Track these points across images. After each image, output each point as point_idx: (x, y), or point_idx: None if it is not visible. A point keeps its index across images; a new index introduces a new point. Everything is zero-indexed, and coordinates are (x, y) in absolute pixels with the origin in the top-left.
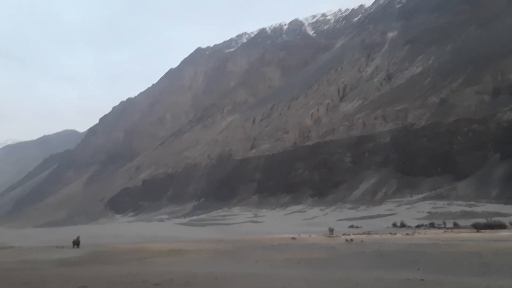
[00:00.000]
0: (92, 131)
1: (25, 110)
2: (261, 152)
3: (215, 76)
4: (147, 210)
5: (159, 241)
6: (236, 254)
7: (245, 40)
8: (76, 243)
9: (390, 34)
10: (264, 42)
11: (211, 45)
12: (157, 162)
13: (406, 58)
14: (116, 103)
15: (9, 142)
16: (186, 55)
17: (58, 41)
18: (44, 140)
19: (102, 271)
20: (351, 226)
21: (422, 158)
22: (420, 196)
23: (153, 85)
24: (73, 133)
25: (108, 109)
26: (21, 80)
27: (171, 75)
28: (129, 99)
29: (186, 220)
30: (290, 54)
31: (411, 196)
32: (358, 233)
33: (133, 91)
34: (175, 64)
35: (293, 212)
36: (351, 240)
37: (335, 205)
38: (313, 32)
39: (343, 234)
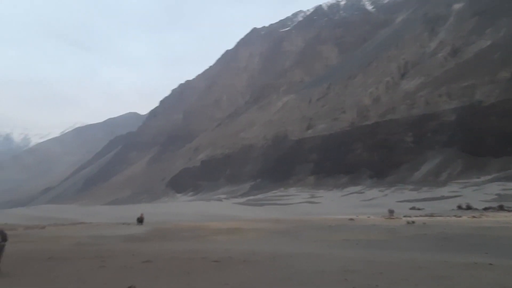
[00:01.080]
0: (153, 113)
1: (91, 94)
2: (317, 132)
3: (270, 56)
4: (206, 189)
5: (218, 219)
6: (293, 234)
7: (300, 19)
8: (140, 220)
9: (456, 6)
10: (321, 19)
11: (267, 25)
12: (215, 143)
13: (474, 31)
14: (175, 85)
15: (78, 125)
16: (242, 36)
17: (119, 26)
18: (109, 123)
19: (165, 247)
20: (413, 208)
21: (491, 138)
22: (488, 177)
23: (210, 67)
24: (135, 115)
25: (167, 92)
26: (87, 66)
27: (227, 56)
28: (187, 82)
29: (243, 199)
30: (348, 31)
31: (478, 177)
32: (420, 215)
33: (191, 74)
34: (231, 45)
35: (351, 193)
36: (413, 222)
37: (395, 186)
38: (372, 7)
39: (404, 216)
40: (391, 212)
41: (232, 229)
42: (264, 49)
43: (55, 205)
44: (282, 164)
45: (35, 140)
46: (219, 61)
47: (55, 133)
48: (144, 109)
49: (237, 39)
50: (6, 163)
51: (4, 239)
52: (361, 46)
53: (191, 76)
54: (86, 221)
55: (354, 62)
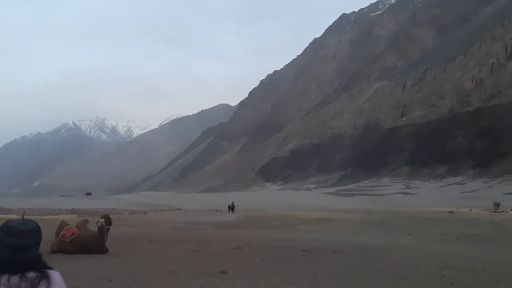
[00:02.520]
0: (243, 104)
1: (185, 87)
2: (412, 119)
3: (360, 42)
4: (295, 179)
5: (307, 209)
6: (386, 226)
7: (393, 1)
8: (231, 207)
9: None
10: (415, 0)
11: (356, 9)
12: (303, 133)
13: None
14: (264, 76)
15: (174, 117)
16: (330, 23)
17: (209, 21)
18: (202, 114)
19: (254, 234)
20: None
21: None
22: None
23: (297, 56)
24: (226, 106)
25: (256, 83)
26: (181, 61)
27: (315, 44)
28: (275, 72)
29: (333, 190)
30: (446, 11)
31: None
32: None
33: (279, 63)
34: (319, 33)
35: (450, 184)
36: None
37: (502, 177)
38: None
39: None
40: (496, 205)
41: (321, 219)
42: (354, 35)
43: (155, 192)
44: (374, 153)
45: (137, 132)
46: (307, 49)
47: (154, 125)
48: (234, 100)
49: (326, 26)
50: (112, 153)
51: (109, 223)
52: (461, 27)
53: (279, 66)
54: (182, 207)
55: (453, 44)
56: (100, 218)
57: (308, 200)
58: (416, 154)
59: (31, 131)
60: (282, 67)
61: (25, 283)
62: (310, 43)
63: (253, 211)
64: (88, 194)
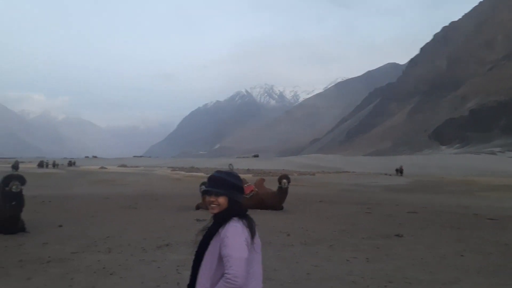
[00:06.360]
0: (413, 62)
1: (350, 49)
2: None
3: None
4: (475, 141)
5: (490, 175)
6: None
7: None
8: (400, 171)
9: None
10: None
11: None
12: (487, 90)
13: None
14: (437, 29)
15: (339, 80)
16: None
17: None
18: (368, 75)
19: (430, 199)
20: None
21: None
22: None
23: (479, 3)
24: (394, 66)
25: (428, 38)
26: (346, 22)
27: None
28: (451, 23)
29: None
30: None
31: None
32: None
33: (456, 14)
34: None
35: None
36: None
37: None
38: None
39: None
40: None
41: (509, 185)
42: None
43: (321, 155)
44: None
45: (302, 96)
46: None
47: (319, 88)
48: (402, 59)
49: None
50: (280, 117)
51: (289, 182)
52: None
53: (456, 17)
54: (349, 170)
55: None
56: (283, 178)
57: (492, 165)
58: None
59: (211, 100)
60: (460, 17)
61: (246, 222)
62: None
63: (426, 175)
64: (255, 156)
